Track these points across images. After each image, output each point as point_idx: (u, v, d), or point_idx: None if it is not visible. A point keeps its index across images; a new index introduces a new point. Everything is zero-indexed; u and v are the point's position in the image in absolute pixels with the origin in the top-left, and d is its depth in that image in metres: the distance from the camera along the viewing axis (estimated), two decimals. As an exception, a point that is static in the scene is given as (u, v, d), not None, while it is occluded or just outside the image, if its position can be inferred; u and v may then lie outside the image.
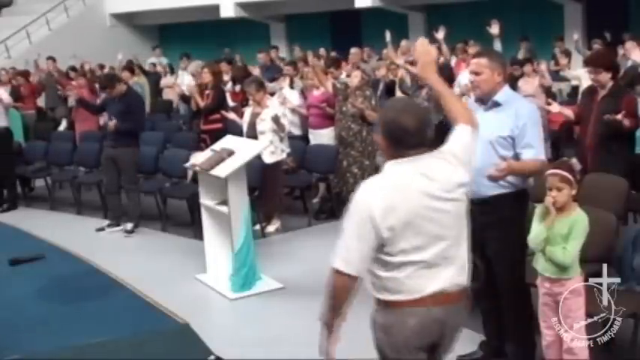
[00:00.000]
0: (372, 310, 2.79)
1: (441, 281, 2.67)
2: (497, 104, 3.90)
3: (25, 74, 12.49)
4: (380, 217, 2.57)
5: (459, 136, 2.84)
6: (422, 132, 2.68)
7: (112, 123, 7.42)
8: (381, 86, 10.12)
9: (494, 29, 8.96)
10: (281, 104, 7.63)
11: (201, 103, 8.21)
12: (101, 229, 7.76)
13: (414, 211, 2.60)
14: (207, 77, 8.44)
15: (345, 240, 2.63)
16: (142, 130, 7.83)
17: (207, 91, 8.39)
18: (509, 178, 3.82)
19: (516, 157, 3.82)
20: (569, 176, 3.55)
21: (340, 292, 2.64)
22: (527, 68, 9.01)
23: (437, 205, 2.65)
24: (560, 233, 3.56)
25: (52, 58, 13.83)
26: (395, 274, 2.65)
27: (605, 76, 5.24)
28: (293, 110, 8.48)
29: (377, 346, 2.79)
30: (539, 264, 3.68)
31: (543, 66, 8.25)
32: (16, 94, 11.31)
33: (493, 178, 3.75)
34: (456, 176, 2.72)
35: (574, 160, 5.18)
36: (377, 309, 2.76)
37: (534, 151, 3.81)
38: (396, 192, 2.62)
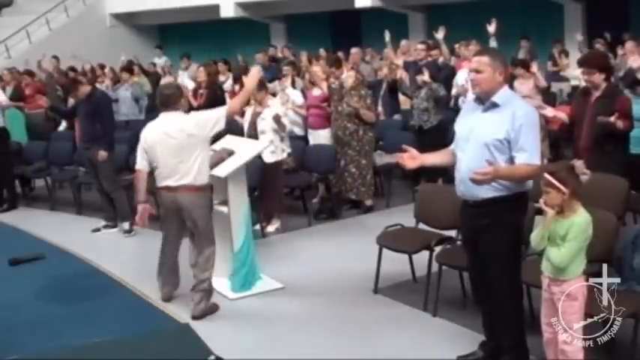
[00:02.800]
0: None
1: (170, 180, 5.06)
2: (495, 105, 3.84)
3: (31, 74, 12.48)
4: (144, 142, 5.14)
5: (214, 110, 5.24)
6: (170, 99, 5.10)
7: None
8: (384, 86, 10.12)
9: (492, 27, 8.97)
10: (283, 104, 7.62)
11: (194, 103, 8.21)
12: (97, 230, 7.78)
13: (156, 141, 5.06)
14: (202, 77, 8.43)
15: (136, 155, 5.21)
16: (112, 130, 7.71)
17: (200, 91, 8.37)
18: (503, 181, 3.76)
19: (512, 160, 3.76)
20: (553, 181, 3.52)
21: (139, 180, 5.19)
22: (518, 70, 8.93)
23: (169, 140, 5.00)
24: (559, 234, 3.56)
25: (55, 57, 13.81)
26: (155, 174, 5.13)
27: (599, 77, 5.23)
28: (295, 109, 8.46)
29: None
30: (542, 262, 3.69)
31: (534, 68, 8.21)
32: (18, 95, 11.28)
33: (478, 182, 3.68)
34: (186, 126, 5.02)
35: (578, 163, 5.14)
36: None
37: (527, 155, 3.73)
38: (151, 130, 5.13)
